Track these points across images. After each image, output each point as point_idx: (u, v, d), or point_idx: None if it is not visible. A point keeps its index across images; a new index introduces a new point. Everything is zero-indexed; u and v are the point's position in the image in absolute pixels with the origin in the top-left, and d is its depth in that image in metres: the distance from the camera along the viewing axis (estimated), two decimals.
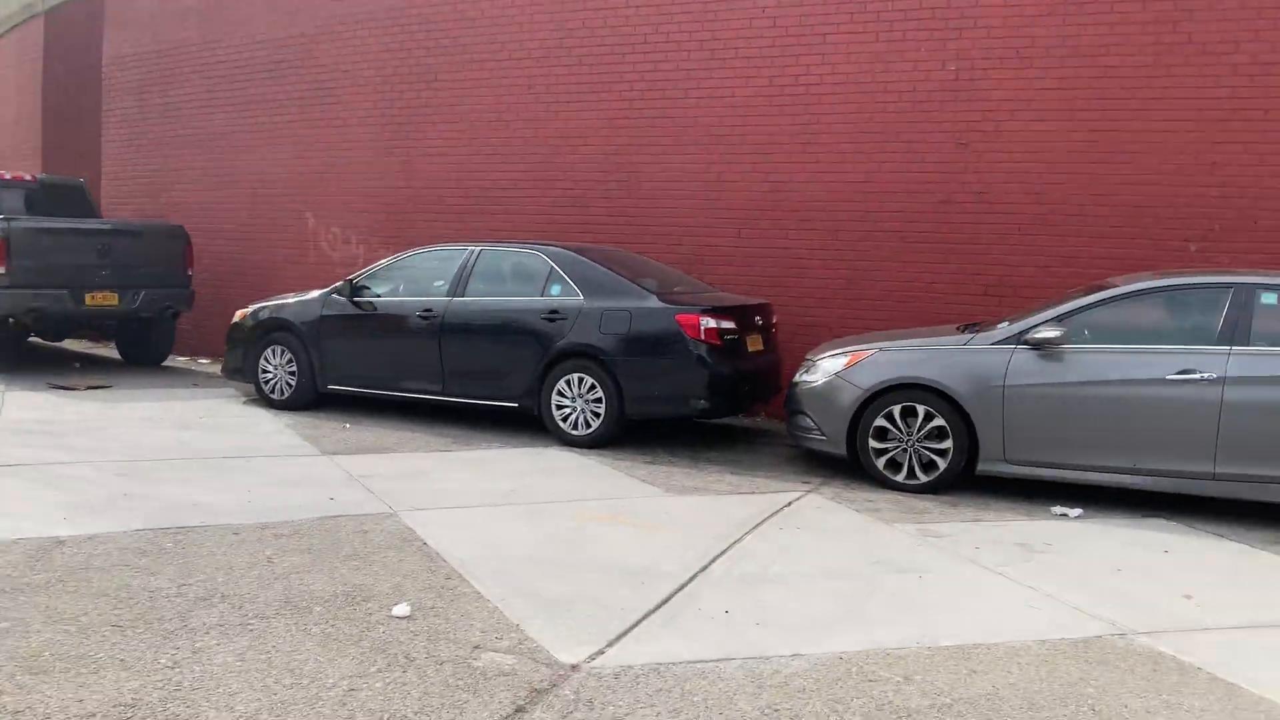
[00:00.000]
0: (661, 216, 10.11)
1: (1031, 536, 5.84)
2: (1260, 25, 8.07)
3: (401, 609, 4.18)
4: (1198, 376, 6.22)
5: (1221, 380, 6.18)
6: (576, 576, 4.77)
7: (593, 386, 7.87)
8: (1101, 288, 6.82)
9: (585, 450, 7.80)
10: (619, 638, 4.03)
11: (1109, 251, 8.57)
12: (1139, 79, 8.41)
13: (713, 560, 5.11)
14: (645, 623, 4.21)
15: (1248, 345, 6.22)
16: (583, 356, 7.90)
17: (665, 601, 4.47)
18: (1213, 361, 6.23)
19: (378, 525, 5.48)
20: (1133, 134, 8.45)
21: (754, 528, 5.77)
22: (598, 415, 7.86)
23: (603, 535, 5.49)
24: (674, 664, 3.78)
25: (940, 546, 5.55)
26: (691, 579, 4.80)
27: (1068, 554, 5.52)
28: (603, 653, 3.87)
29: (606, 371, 7.80)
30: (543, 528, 5.58)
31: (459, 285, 8.50)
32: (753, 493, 6.67)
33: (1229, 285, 6.41)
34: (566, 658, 3.80)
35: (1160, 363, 6.34)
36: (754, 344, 8.19)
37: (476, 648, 3.86)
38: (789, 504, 6.39)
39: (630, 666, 3.74)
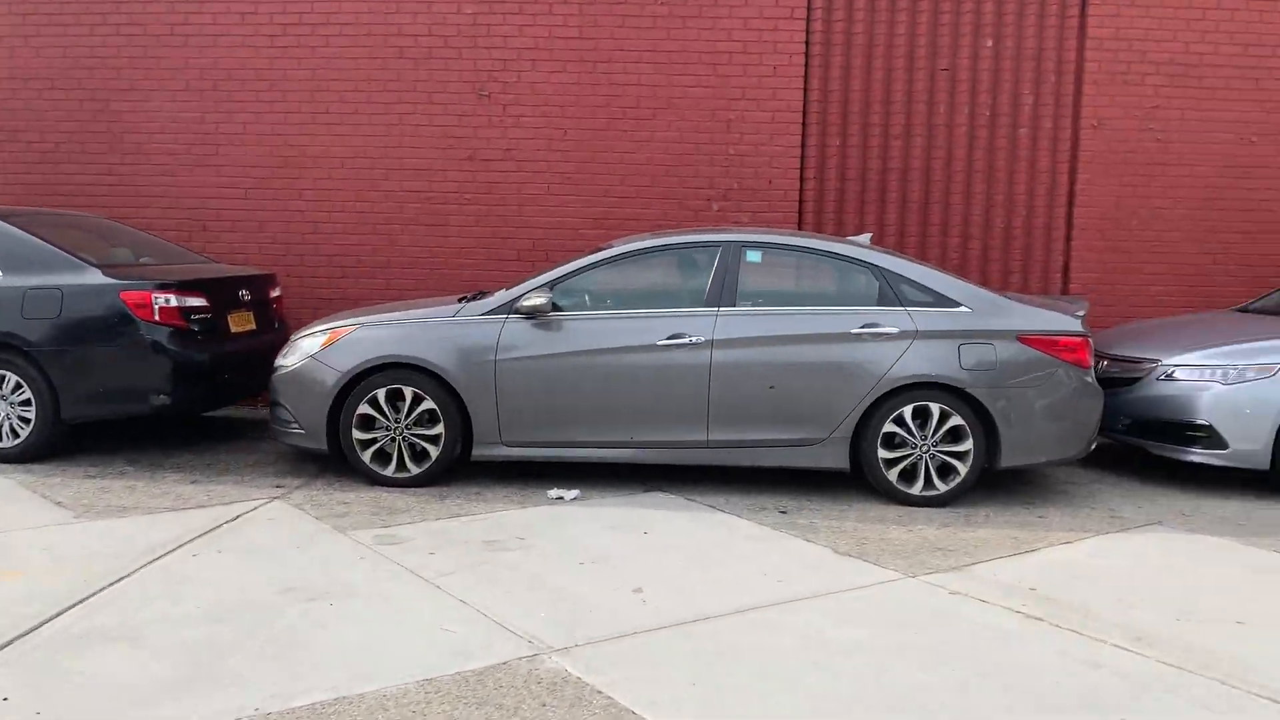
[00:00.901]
0: (153, 175, 8.53)
1: (509, 530, 5.18)
2: None
3: None
4: (687, 340, 5.86)
5: (710, 343, 5.85)
6: None
7: (19, 386, 6.29)
8: (602, 250, 6.30)
9: (10, 466, 6.22)
10: None
11: (637, 212, 8.22)
12: (656, 30, 8.08)
13: (56, 615, 3.91)
14: None
15: (734, 306, 5.94)
16: (2, 349, 6.29)
17: None
18: (701, 324, 5.89)
19: None
20: (653, 89, 8.12)
21: (160, 557, 4.62)
22: (27, 421, 6.30)
23: None
24: None
25: (389, 556, 4.72)
26: None
27: (538, 548, 4.89)
28: None
29: (35, 366, 6.25)
30: None
31: None
32: (200, 506, 5.50)
33: (717, 244, 6.10)
34: None
35: (652, 328, 5.92)
36: (241, 323, 6.96)
37: None
38: (236, 517, 5.30)
39: None
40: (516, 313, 5.97)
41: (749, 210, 8.16)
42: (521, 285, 6.09)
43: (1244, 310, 7.53)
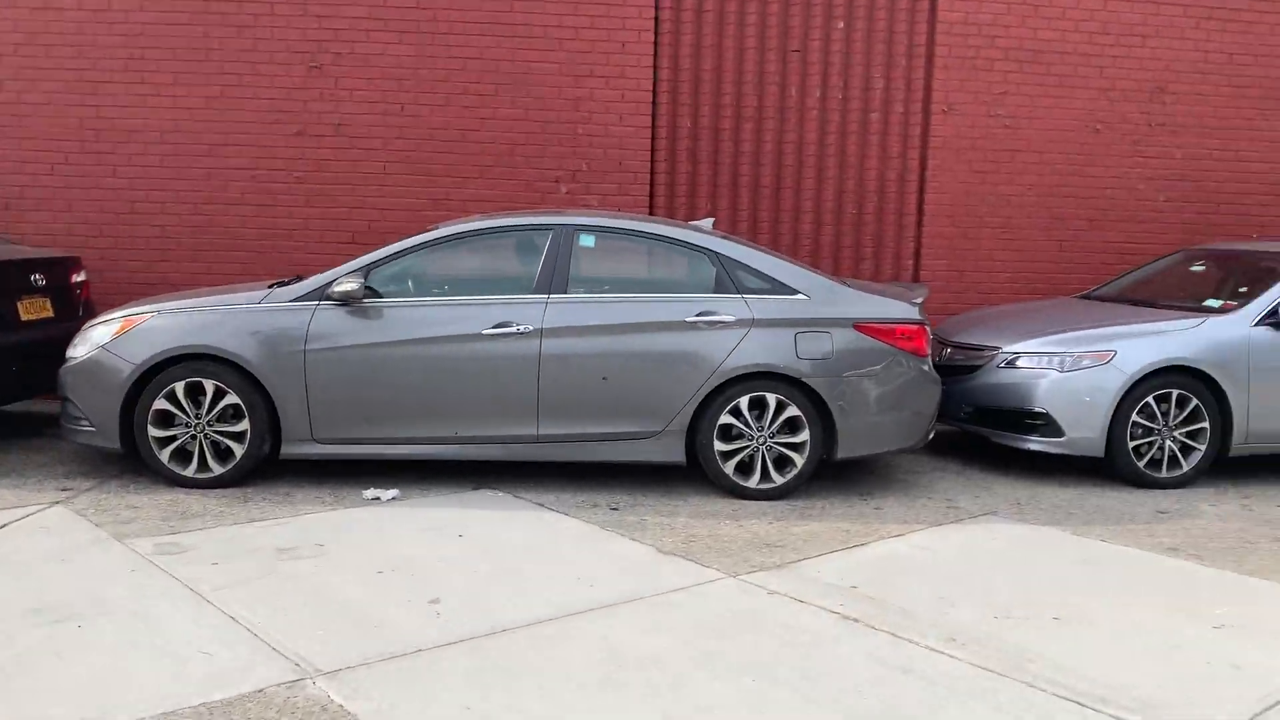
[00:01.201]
0: None
1: (311, 535, 4.77)
2: None
3: None
4: (514, 329, 5.53)
5: (539, 332, 5.53)
6: None
7: None
8: (426, 232, 5.91)
9: None
10: None
11: (481, 193, 7.83)
12: (500, 2, 7.68)
13: None
14: None
15: (565, 293, 5.63)
16: None
17: None
18: (530, 312, 5.57)
19: None
20: (496, 64, 7.73)
21: None
22: None
23: None
24: None
25: (164, 567, 4.27)
26: None
27: (336, 556, 4.50)
28: None
29: None
30: None
31: None
32: None
33: (549, 227, 5.78)
34: None
35: (478, 316, 5.56)
36: (34, 311, 6.35)
37: None
38: (2, 526, 4.76)
39: None
40: (328, 299, 5.54)
41: (599, 192, 7.86)
42: (335, 270, 5.66)
43: (1087, 297, 7.58)
